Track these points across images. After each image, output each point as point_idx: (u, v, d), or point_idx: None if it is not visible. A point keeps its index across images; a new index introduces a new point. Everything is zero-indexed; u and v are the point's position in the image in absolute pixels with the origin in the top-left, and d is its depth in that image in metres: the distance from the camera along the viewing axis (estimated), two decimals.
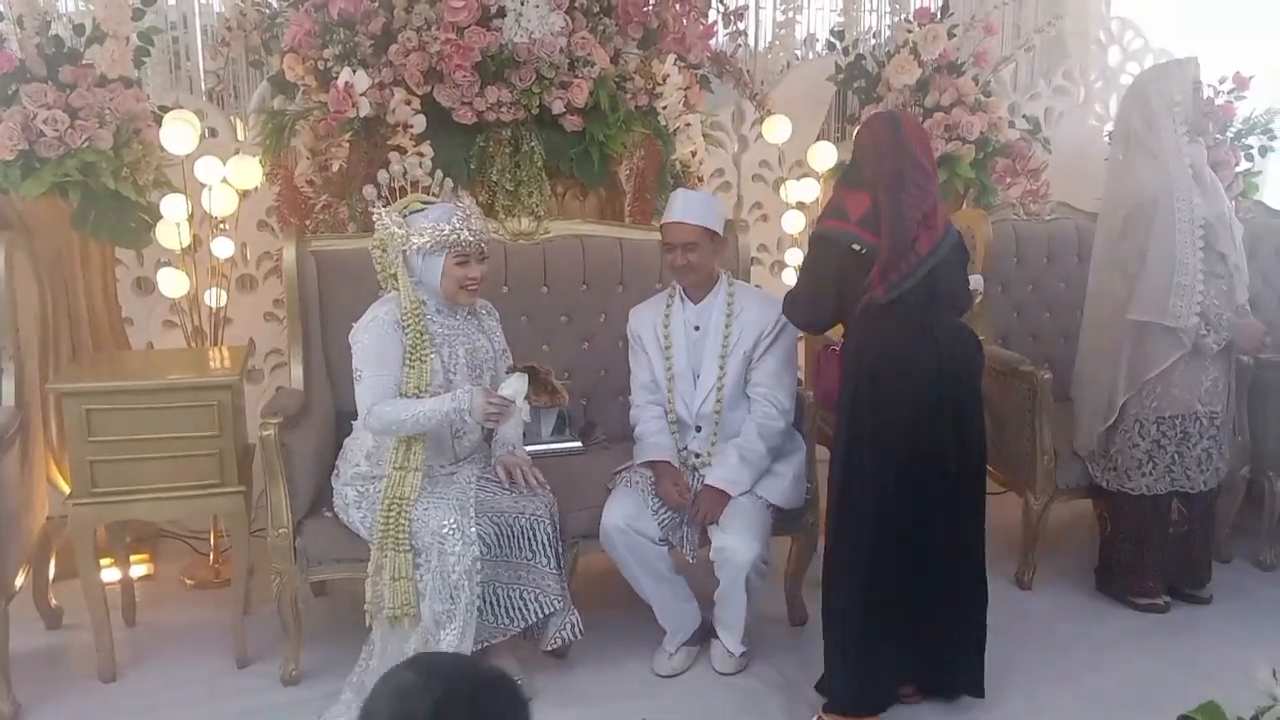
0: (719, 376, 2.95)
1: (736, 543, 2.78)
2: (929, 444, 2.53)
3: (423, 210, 2.68)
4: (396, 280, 2.69)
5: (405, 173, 2.89)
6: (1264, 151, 4.23)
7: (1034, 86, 4.71)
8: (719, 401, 2.95)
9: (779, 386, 2.95)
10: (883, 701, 2.66)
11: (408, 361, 2.64)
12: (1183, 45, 4.47)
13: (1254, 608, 3.32)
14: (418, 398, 2.62)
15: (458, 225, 2.63)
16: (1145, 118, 3.07)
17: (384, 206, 2.71)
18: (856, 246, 2.50)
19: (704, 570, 2.88)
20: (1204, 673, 2.88)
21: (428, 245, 2.62)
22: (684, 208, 2.90)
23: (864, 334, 2.56)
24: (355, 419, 2.78)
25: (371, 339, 2.63)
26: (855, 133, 2.89)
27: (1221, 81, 4.27)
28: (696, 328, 2.98)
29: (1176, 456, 3.15)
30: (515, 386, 2.63)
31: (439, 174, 2.79)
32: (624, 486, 2.90)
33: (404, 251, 2.65)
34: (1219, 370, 3.15)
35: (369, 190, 2.74)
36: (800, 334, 3.10)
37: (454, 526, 2.58)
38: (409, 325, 2.64)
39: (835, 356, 2.73)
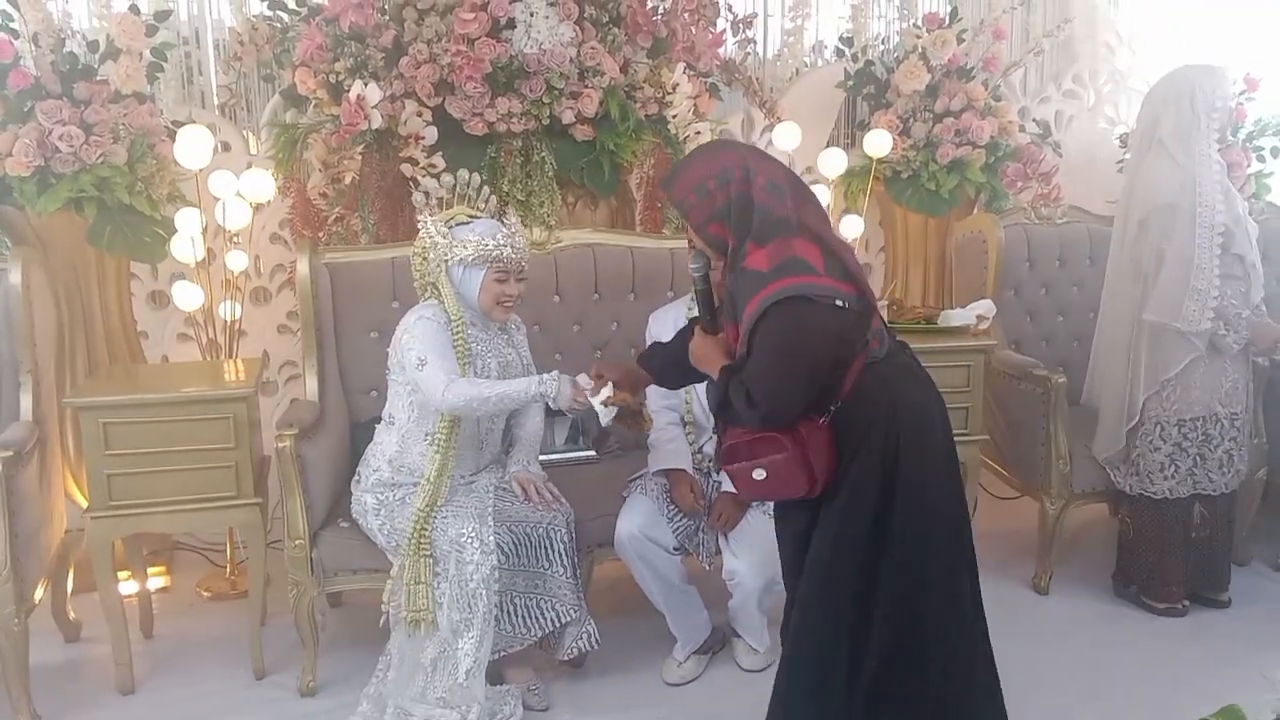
0: None
1: (746, 568, 2.79)
2: (957, 490, 2.23)
3: (468, 223, 2.70)
4: (436, 289, 2.70)
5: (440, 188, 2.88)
6: (1275, 153, 4.21)
7: (1044, 90, 4.70)
8: None
9: None
10: None
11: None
12: (1191, 47, 4.46)
13: (1272, 610, 3.30)
14: None
15: (502, 241, 2.65)
16: (1181, 117, 3.03)
17: (432, 216, 2.72)
18: (840, 303, 2.03)
19: (719, 578, 2.88)
20: (1223, 676, 2.87)
21: (470, 258, 2.64)
22: None
23: (869, 399, 2.11)
24: (378, 423, 2.80)
25: (426, 331, 2.63)
26: (708, 179, 2.08)
27: (1232, 83, 4.25)
28: None
29: (1199, 459, 3.15)
30: (605, 413, 2.50)
31: (485, 189, 2.77)
32: (639, 494, 2.90)
33: (446, 262, 2.67)
34: (1238, 372, 3.14)
35: (418, 198, 2.75)
36: None
37: (472, 535, 2.59)
38: (456, 331, 2.66)
39: (825, 430, 2.14)
